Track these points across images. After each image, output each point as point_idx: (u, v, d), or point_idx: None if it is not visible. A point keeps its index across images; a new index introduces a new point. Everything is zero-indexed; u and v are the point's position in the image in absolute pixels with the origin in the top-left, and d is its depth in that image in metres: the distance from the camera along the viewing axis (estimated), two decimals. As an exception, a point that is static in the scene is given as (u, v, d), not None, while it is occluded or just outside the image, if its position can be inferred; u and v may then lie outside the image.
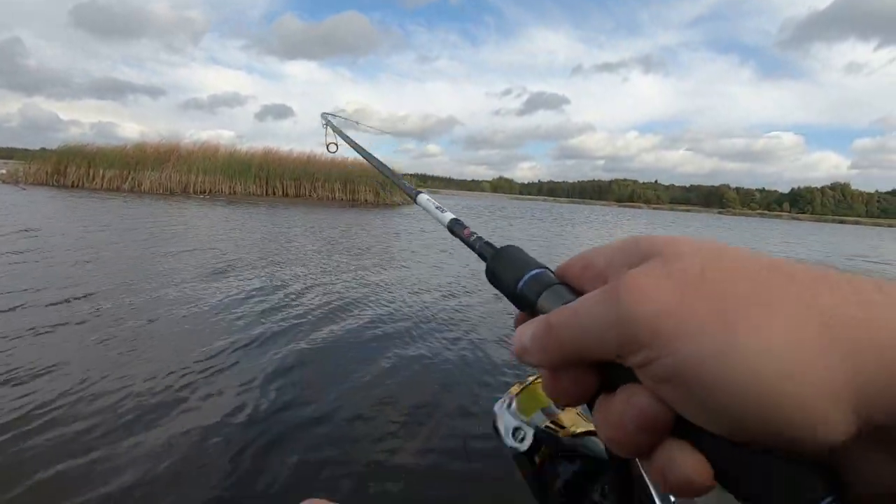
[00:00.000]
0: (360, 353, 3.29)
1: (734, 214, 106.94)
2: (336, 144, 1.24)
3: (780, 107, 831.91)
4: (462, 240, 0.37)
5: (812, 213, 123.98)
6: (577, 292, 0.24)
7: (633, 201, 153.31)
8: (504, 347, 3.55)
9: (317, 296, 4.67)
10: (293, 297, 4.58)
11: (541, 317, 0.23)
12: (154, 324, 3.56)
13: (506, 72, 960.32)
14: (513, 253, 0.30)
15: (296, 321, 3.84)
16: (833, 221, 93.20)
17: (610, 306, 0.19)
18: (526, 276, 0.27)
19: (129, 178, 20.50)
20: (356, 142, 0.93)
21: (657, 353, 0.18)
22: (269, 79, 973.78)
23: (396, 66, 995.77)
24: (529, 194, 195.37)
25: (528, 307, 0.27)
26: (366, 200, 23.86)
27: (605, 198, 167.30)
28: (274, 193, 22.88)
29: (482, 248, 0.34)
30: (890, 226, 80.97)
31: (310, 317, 3.99)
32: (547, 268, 0.28)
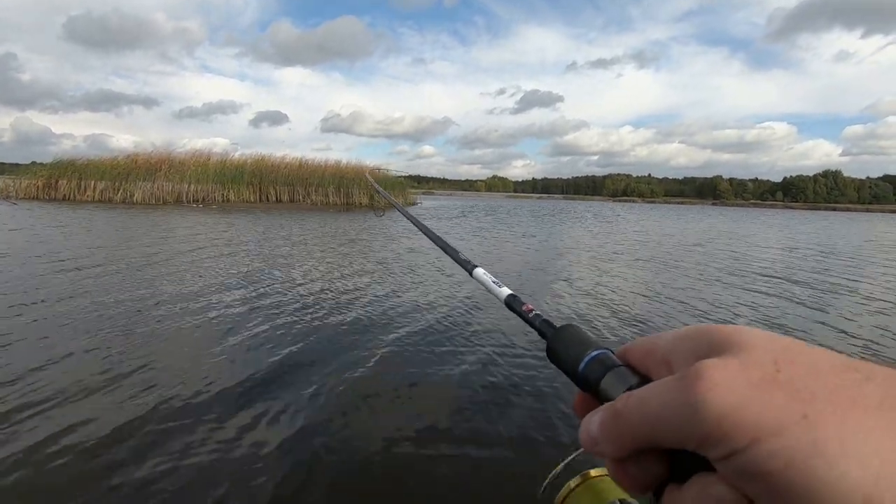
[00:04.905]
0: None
1: (728, 205, 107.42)
2: (383, 211, 1.27)
3: (771, 97, 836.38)
4: (520, 316, 0.37)
5: (805, 202, 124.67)
6: (640, 375, 0.25)
7: (627, 195, 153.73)
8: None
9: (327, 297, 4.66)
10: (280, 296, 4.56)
11: (607, 405, 0.23)
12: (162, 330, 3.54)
13: (499, 71, 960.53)
14: (573, 332, 0.30)
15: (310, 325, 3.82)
16: (826, 209, 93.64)
17: (685, 396, 0.19)
18: (587, 358, 0.27)
19: (121, 190, 20.40)
20: (407, 210, 0.94)
21: (739, 446, 0.18)
22: (264, 85, 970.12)
23: (390, 69, 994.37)
24: (524, 192, 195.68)
25: (589, 389, 0.27)
26: (360, 204, 23.83)
27: (600, 193, 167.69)
28: (268, 199, 22.84)
29: (541, 326, 0.34)
30: (882, 211, 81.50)
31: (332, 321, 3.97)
32: (608, 348, 0.28)
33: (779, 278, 7.17)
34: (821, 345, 0.19)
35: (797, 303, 5.48)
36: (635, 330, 4.19)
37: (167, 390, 2.63)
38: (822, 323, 4.62)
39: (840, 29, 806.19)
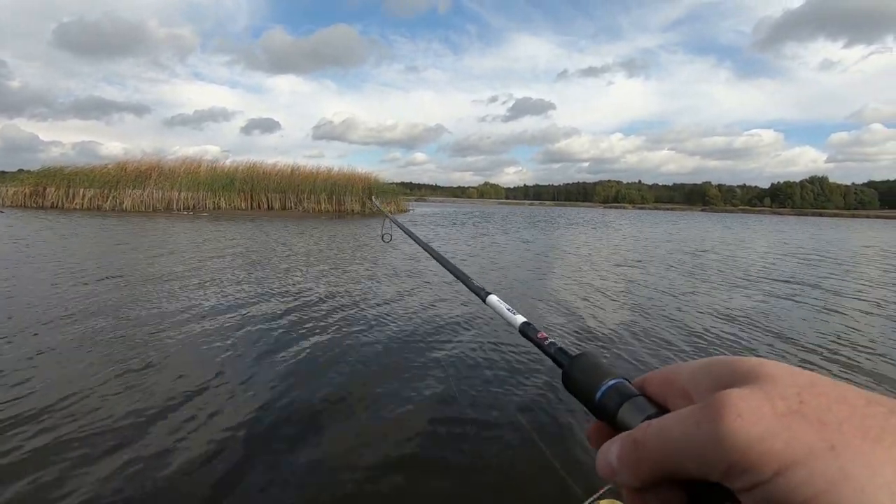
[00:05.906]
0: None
1: (717, 211, 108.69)
2: (391, 234, 1.32)
3: (758, 105, 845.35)
4: (535, 344, 0.36)
5: (793, 207, 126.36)
6: (658, 406, 0.25)
7: (618, 202, 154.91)
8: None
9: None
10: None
11: (625, 434, 0.22)
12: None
13: (491, 79, 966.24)
14: (589, 360, 0.30)
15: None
16: (813, 214, 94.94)
17: (710, 424, 0.19)
18: (604, 387, 0.27)
19: (111, 197, 20.20)
20: (414, 233, 0.94)
21: (766, 477, 0.18)
22: (256, 93, 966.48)
23: (382, 77, 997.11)
24: (516, 198, 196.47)
25: (606, 418, 0.26)
26: (352, 211, 23.75)
27: (591, 199, 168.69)
28: (259, 207, 22.71)
29: (556, 354, 0.33)
30: (868, 217, 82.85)
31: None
32: (625, 378, 0.27)
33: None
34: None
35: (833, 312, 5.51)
36: (651, 345, 4.13)
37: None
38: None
39: (824, 39, 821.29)
